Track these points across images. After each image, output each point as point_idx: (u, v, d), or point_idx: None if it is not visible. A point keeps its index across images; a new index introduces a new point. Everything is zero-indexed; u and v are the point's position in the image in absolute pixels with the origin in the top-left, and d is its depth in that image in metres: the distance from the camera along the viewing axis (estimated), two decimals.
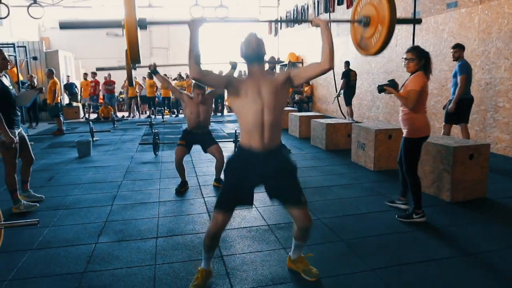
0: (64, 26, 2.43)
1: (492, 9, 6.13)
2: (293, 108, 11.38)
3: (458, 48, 5.72)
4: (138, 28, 2.21)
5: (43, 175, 5.50)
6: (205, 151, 4.69)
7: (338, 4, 11.20)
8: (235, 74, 4.58)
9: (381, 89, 3.64)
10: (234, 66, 4.58)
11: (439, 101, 7.29)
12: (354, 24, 2.79)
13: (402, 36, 8.46)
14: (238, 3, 19.35)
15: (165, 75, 15.10)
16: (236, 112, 2.36)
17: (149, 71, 4.56)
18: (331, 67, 2.28)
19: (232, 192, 2.38)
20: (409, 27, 8.12)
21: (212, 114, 4.30)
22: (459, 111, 5.82)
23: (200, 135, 4.59)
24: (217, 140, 4.76)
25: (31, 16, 8.11)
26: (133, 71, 5.24)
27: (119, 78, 16.32)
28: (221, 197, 2.41)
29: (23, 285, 2.59)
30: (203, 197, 4.36)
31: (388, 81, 3.70)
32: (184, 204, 4.16)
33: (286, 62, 14.49)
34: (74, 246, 3.16)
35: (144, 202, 4.23)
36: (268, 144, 2.29)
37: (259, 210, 3.86)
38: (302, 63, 14.27)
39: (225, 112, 14.90)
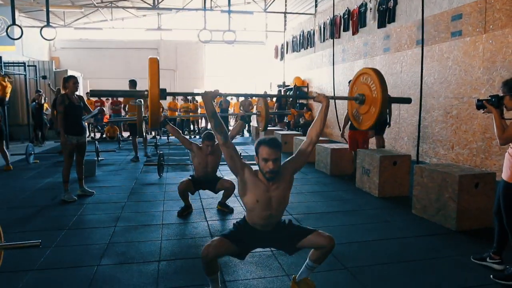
0: (94, 94, 2.99)
1: (496, 39, 6.21)
2: (297, 132, 11.42)
3: None
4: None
5: (47, 194, 5.52)
6: (216, 192, 4.74)
7: (344, 31, 11.37)
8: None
9: (480, 104, 3.00)
10: (246, 121, 4.73)
11: (444, 128, 7.31)
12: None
13: (407, 63, 8.55)
14: (245, 28, 19.69)
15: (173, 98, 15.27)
16: (244, 205, 2.52)
17: (160, 121, 4.59)
18: (322, 129, 2.62)
19: (236, 240, 2.48)
20: (414, 53, 8.22)
21: None
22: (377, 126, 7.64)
23: (207, 182, 4.65)
24: (226, 178, 4.79)
25: (43, 38, 8.29)
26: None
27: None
28: (229, 234, 2.51)
29: None
30: (207, 221, 4.34)
31: (491, 96, 2.97)
32: (188, 227, 4.14)
33: (292, 86, 14.64)
34: (76, 268, 3.14)
35: (147, 224, 4.21)
36: (271, 227, 2.53)
37: None
38: (307, 87, 14.39)
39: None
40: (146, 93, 2.36)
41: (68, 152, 5.13)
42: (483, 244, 3.60)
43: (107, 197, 5.35)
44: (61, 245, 3.63)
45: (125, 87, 18.76)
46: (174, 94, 2.98)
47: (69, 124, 5.06)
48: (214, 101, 2.48)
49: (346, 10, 11.20)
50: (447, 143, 7.29)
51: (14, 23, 7.71)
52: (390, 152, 5.78)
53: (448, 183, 4.02)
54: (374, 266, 3.15)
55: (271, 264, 3.18)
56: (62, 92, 5.15)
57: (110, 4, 16.87)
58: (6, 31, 8.08)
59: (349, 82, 7.02)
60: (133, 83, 8.06)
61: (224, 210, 4.64)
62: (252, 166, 2.52)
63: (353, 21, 10.78)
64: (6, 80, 9.06)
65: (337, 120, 9.87)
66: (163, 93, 2.38)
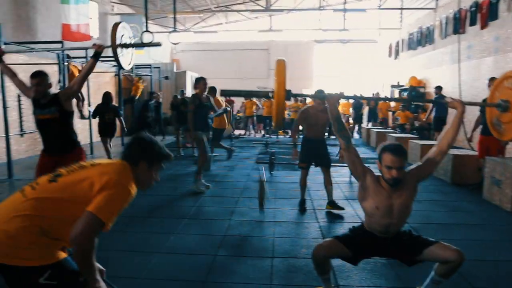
0: (224, 93, 3.18)
1: None
2: (413, 135, 10.71)
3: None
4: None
5: (169, 184, 6.03)
6: (316, 165, 4.79)
7: (470, 25, 10.32)
8: None
9: None
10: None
11: None
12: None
13: None
14: (357, 26, 19.12)
15: None
16: (363, 210, 2.46)
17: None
18: (455, 138, 2.41)
19: (349, 244, 2.42)
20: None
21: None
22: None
23: (317, 143, 4.71)
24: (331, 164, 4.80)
25: (171, 42, 9.09)
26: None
27: (238, 98, 17.29)
28: (343, 237, 2.48)
29: (155, 285, 2.84)
30: (318, 222, 4.31)
31: None
32: (299, 227, 4.17)
33: (407, 87, 13.79)
34: (196, 255, 3.37)
35: (260, 220, 4.34)
36: (390, 235, 2.41)
37: None
38: (424, 87, 13.42)
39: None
40: (271, 94, 2.41)
41: (203, 147, 5.62)
42: None
43: (222, 192, 5.65)
44: (183, 232, 3.93)
45: (237, 87, 19.57)
46: (298, 95, 2.96)
47: (198, 122, 5.55)
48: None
49: (473, 2, 10.15)
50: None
51: (147, 29, 8.56)
52: None
53: None
54: None
55: (387, 274, 3.03)
56: (194, 92, 5.67)
57: (225, 8, 17.79)
58: (141, 38, 9.02)
59: (491, 79, 6.02)
60: (213, 90, 8.17)
61: (334, 209, 4.57)
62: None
63: (482, 13, 9.71)
64: (140, 82, 10.18)
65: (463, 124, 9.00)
66: (288, 94, 2.41)
